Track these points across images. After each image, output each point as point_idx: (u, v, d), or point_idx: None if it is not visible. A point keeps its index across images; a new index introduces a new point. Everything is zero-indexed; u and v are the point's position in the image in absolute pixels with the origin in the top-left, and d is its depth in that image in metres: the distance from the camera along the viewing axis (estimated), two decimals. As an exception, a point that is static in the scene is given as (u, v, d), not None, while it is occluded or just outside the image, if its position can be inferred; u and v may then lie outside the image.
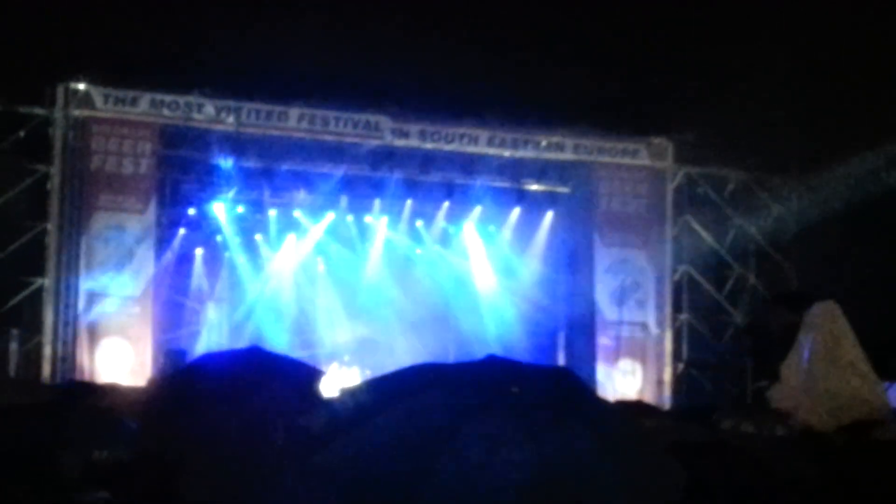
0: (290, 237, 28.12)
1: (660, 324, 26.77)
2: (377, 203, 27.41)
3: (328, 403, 8.94)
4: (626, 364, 26.37)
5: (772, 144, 25.38)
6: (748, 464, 6.76)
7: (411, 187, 26.80)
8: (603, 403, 6.67)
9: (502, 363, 6.11)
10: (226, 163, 25.25)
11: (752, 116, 23.79)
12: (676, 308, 27.11)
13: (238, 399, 8.37)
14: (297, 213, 27.58)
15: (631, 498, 5.22)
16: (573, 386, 6.03)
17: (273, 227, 27.84)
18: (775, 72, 23.07)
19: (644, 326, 26.63)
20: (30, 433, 9.03)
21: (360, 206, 27.60)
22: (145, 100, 24.04)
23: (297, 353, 26.54)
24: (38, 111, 23.55)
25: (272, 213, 27.41)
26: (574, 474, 5.23)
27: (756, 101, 23.33)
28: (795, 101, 23.56)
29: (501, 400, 5.66)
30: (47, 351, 23.29)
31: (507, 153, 26.31)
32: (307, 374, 10.36)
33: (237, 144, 25.06)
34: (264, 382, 8.90)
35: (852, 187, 25.55)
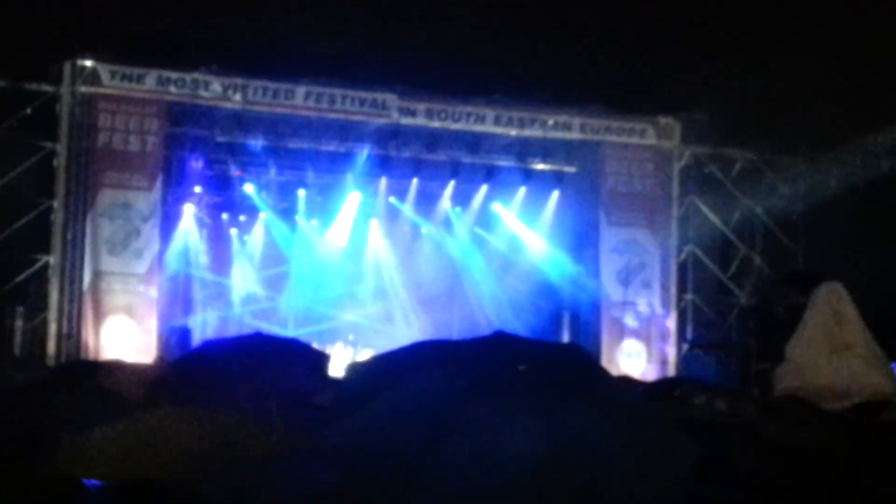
0: (295, 215, 28.10)
1: (665, 304, 26.74)
2: (383, 181, 27.37)
3: (336, 381, 8.96)
4: (630, 344, 26.36)
5: (780, 125, 25.31)
6: (756, 441, 6.75)
7: (417, 166, 26.75)
8: (612, 380, 6.66)
9: (510, 340, 6.10)
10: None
11: (761, 97, 23.72)
12: (681, 288, 27.07)
13: (244, 380, 8.39)
14: (303, 192, 27.53)
15: (640, 475, 5.21)
16: (582, 363, 6.02)
17: (279, 206, 27.80)
18: (784, 52, 23.00)
19: (649, 307, 26.59)
20: (32, 413, 9.04)
21: (366, 184, 27.54)
22: (152, 77, 23.96)
23: (302, 332, 26.66)
24: (45, 88, 23.48)
25: (277, 191, 27.34)
26: (583, 452, 5.22)
27: (764, 81, 23.26)
28: (803, 81, 23.49)
29: (509, 377, 5.65)
30: (52, 328, 23.29)
31: (513, 132, 26.24)
32: (314, 356, 10.39)
33: (243, 122, 25.02)
34: (271, 364, 8.91)
35: (860, 168, 25.50)
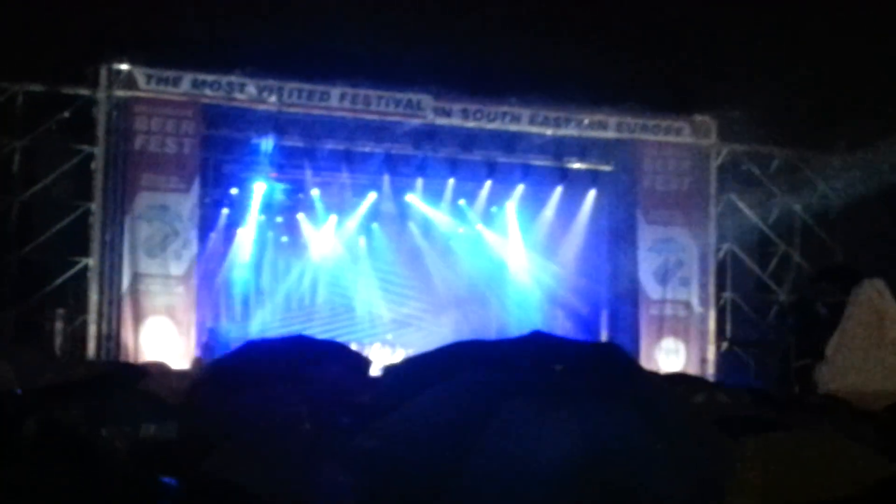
0: (332, 217, 28.17)
1: (703, 302, 26.62)
2: (419, 182, 27.37)
3: (373, 382, 8.95)
4: (669, 343, 26.27)
5: (817, 122, 25.16)
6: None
7: (453, 166, 26.74)
8: (651, 379, 6.60)
9: (547, 339, 6.05)
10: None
11: (798, 93, 23.57)
12: (720, 286, 26.96)
13: (286, 382, 8.38)
14: (339, 193, 27.58)
15: (680, 476, 5.16)
16: (620, 362, 5.96)
17: (315, 207, 27.86)
18: (822, 49, 22.84)
19: (687, 305, 26.49)
20: (78, 409, 9.08)
21: (402, 185, 27.58)
22: (187, 80, 24.05)
23: (338, 333, 26.73)
24: (82, 92, 23.65)
25: (314, 192, 27.41)
26: (621, 453, 5.18)
27: (801, 78, 23.11)
28: (841, 78, 23.34)
29: (546, 378, 5.60)
30: (92, 330, 23.43)
31: (549, 131, 26.19)
32: (355, 359, 10.38)
33: (279, 124, 25.08)
34: (313, 366, 8.91)
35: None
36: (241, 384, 8.23)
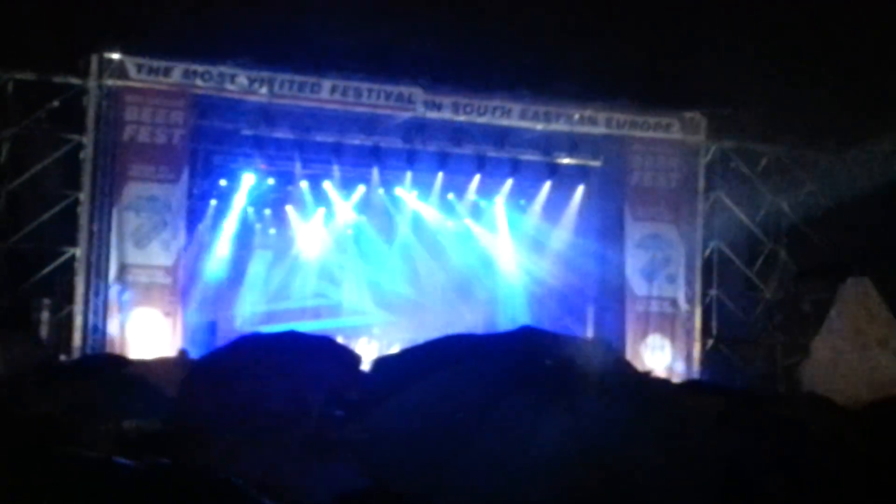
0: (321, 209, 28.16)
1: (690, 300, 26.65)
2: (409, 175, 27.38)
3: (362, 375, 8.97)
4: (655, 340, 26.29)
5: (807, 120, 25.19)
6: (793, 436, 6.72)
7: (443, 160, 26.74)
8: (639, 375, 6.62)
9: (538, 334, 6.07)
10: None
11: (788, 92, 23.61)
12: (707, 284, 26.97)
13: (277, 375, 8.41)
14: (329, 185, 27.56)
15: (672, 470, 5.19)
16: (610, 358, 6.00)
17: (304, 199, 27.84)
18: (811, 46, 22.89)
19: (674, 302, 26.52)
20: (58, 402, 9.07)
21: (391, 179, 27.58)
22: (178, 70, 24.03)
23: (325, 326, 26.72)
24: (73, 81, 23.59)
25: (303, 184, 27.41)
26: (614, 446, 5.20)
27: (791, 75, 23.15)
28: (831, 76, 23.37)
29: (537, 372, 5.63)
30: (78, 321, 23.39)
31: (539, 126, 26.21)
32: (347, 354, 10.42)
33: (269, 115, 25.06)
34: (306, 361, 8.94)
35: (887, 164, 25.35)
36: (235, 378, 8.25)
